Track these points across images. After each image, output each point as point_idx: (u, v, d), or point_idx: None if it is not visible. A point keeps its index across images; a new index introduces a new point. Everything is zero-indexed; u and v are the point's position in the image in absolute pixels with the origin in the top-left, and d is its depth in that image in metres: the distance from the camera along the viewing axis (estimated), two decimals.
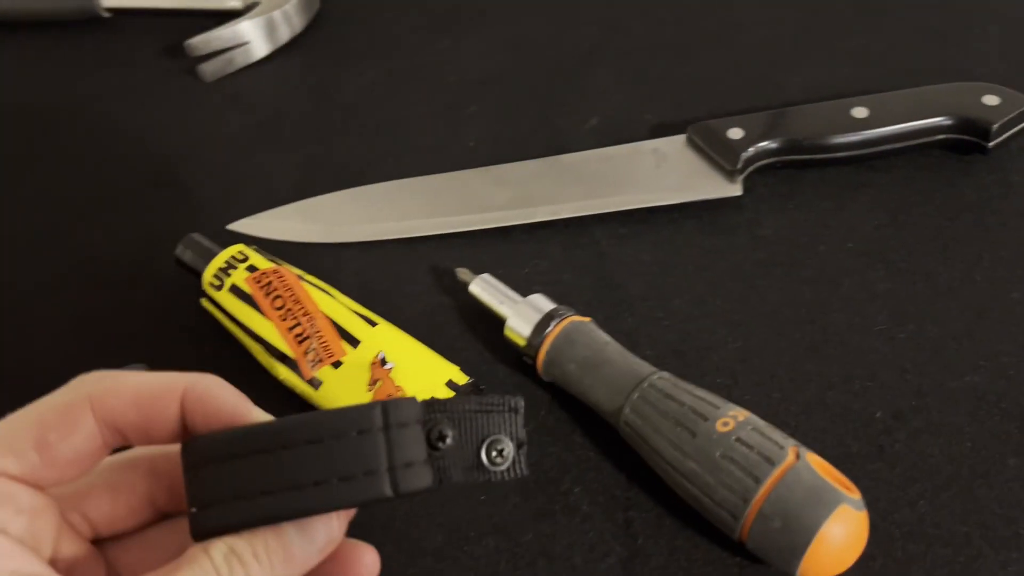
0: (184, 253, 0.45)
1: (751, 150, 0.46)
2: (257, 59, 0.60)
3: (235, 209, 0.50)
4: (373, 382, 0.40)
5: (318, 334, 0.41)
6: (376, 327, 0.42)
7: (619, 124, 0.52)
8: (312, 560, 0.26)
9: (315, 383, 0.40)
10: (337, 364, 0.41)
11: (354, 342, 0.41)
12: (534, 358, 0.39)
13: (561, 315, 0.39)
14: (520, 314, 0.40)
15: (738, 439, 0.33)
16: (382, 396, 0.40)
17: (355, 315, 0.42)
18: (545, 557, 0.35)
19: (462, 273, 0.44)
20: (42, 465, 0.25)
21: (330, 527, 0.26)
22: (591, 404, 0.38)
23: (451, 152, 0.52)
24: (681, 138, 0.48)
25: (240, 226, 0.49)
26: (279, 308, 0.42)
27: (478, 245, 0.47)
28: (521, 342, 0.40)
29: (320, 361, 0.40)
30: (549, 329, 0.39)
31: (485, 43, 0.58)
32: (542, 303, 0.40)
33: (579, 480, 0.38)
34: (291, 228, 0.49)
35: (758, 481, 0.32)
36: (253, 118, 0.56)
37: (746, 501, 0.32)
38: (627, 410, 0.36)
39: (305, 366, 0.41)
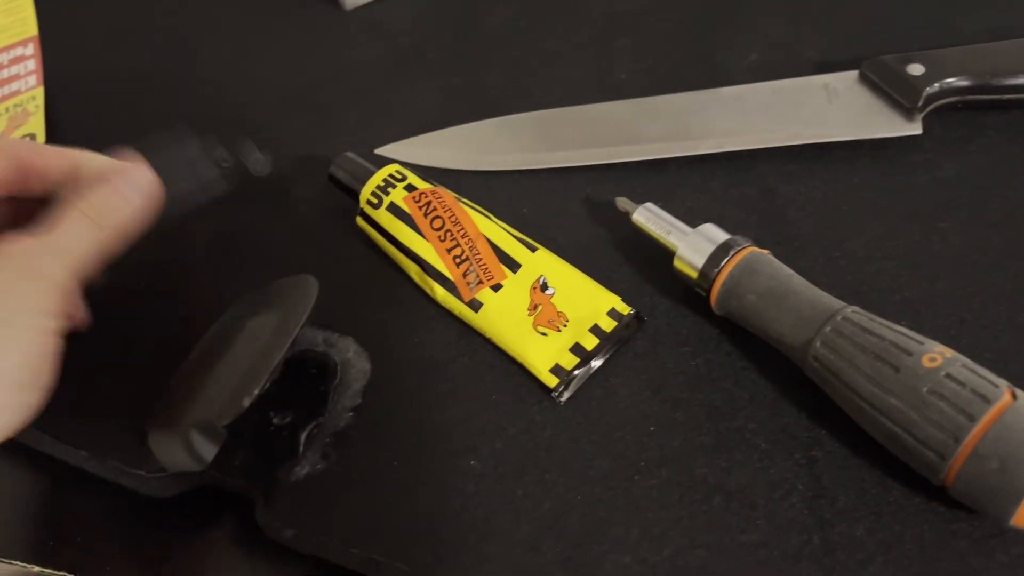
0: (338, 171, 0.44)
1: (935, 87, 0.43)
2: None
3: (378, 135, 0.49)
4: (534, 307, 0.39)
5: (477, 256, 0.40)
6: (536, 252, 0.41)
7: (780, 60, 0.49)
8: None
9: (475, 305, 0.39)
10: (497, 287, 0.39)
11: (514, 266, 0.40)
12: (708, 290, 0.37)
13: (739, 245, 0.37)
14: (692, 244, 0.38)
15: (948, 375, 0.31)
16: (543, 321, 0.39)
17: (515, 239, 0.41)
18: (722, 493, 0.34)
19: (622, 203, 0.42)
20: None
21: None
22: (772, 338, 0.36)
23: (600, 85, 0.50)
24: (853, 74, 0.46)
25: (388, 151, 0.48)
26: (438, 228, 0.40)
27: (633, 177, 0.45)
28: (693, 273, 0.38)
29: (480, 283, 0.39)
30: (727, 259, 0.37)
31: None
32: (716, 233, 0.38)
33: (754, 417, 0.36)
34: (441, 155, 0.48)
35: (972, 419, 0.30)
36: (394, 47, 0.55)
37: (957, 440, 0.30)
38: (817, 343, 0.34)
39: (464, 288, 0.39)
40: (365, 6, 0.58)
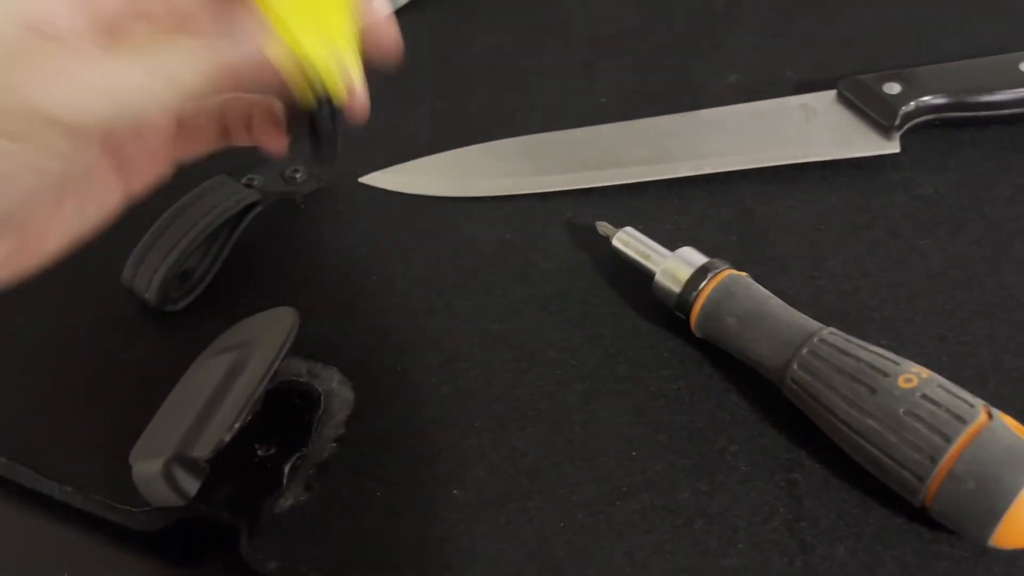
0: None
1: (911, 105, 0.43)
2: None
3: (364, 163, 0.50)
4: None
5: None
6: None
7: (759, 81, 0.49)
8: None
9: None
10: None
11: None
12: (687, 313, 0.38)
13: (717, 268, 0.37)
14: (670, 268, 0.38)
15: (924, 395, 0.31)
16: None
17: None
18: (704, 516, 0.34)
19: (602, 227, 0.42)
20: None
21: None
22: (751, 360, 0.36)
23: (582, 109, 0.51)
24: (831, 94, 0.46)
25: (372, 179, 0.48)
26: None
27: (614, 201, 0.46)
28: (672, 297, 0.38)
29: None
30: (705, 282, 0.37)
31: (614, 0, 0.57)
32: (694, 256, 0.38)
33: (735, 439, 0.36)
34: (423, 182, 0.48)
35: (948, 440, 0.30)
36: (379, 74, 0.56)
37: (934, 461, 0.30)
38: (795, 365, 0.34)
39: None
40: None
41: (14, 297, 0.41)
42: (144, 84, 0.26)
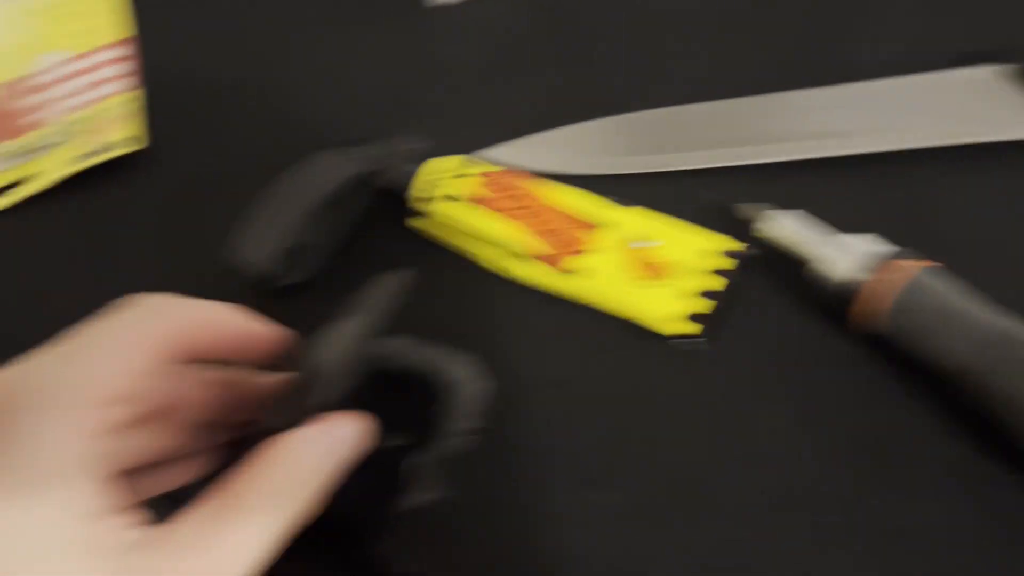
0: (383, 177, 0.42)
1: None
2: None
3: (474, 138, 0.46)
4: (637, 262, 0.38)
5: (563, 224, 0.39)
6: (624, 208, 0.40)
7: (920, 53, 0.45)
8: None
9: (570, 273, 0.38)
10: (589, 251, 0.39)
11: (603, 227, 0.39)
12: (857, 308, 0.34)
13: (903, 258, 0.33)
14: (844, 255, 0.34)
15: None
16: (650, 274, 0.38)
17: (599, 199, 0.40)
18: (883, 535, 0.30)
19: (749, 210, 0.38)
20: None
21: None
22: (931, 360, 0.32)
23: (721, 81, 0.46)
24: (1007, 68, 0.41)
25: (495, 154, 0.45)
26: (518, 208, 0.40)
27: (762, 181, 0.41)
28: (846, 289, 0.34)
29: (575, 252, 0.38)
30: (889, 275, 0.33)
31: None
32: (871, 244, 0.34)
33: (913, 448, 0.32)
34: (550, 158, 0.44)
35: None
36: (487, 46, 0.52)
37: None
38: (987, 366, 0.30)
39: (560, 259, 0.38)
40: (456, 5, 0.55)
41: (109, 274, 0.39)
42: None
